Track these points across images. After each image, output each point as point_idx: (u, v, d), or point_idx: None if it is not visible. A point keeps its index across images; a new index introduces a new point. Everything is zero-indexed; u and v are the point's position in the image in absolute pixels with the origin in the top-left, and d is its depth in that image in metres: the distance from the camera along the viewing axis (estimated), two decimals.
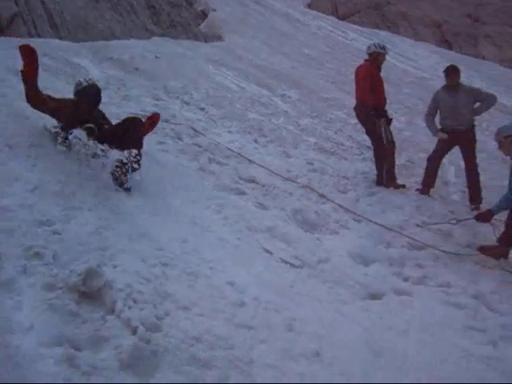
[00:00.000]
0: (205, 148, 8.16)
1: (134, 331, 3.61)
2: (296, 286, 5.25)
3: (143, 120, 6.44)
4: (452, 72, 8.92)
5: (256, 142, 9.32)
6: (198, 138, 8.44)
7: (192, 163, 7.58)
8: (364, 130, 9.36)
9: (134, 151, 5.89)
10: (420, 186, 9.03)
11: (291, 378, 3.79)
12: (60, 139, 5.83)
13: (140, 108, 9.01)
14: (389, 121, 9.00)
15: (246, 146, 8.82)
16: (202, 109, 10.26)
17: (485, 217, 7.35)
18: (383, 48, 9.07)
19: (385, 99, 9.11)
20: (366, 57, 9.17)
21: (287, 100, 12.84)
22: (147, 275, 4.34)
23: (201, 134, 8.57)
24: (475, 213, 7.78)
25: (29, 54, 5.78)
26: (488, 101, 8.90)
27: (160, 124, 8.65)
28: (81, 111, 6.07)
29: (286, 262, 5.69)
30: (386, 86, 9.29)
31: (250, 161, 8.02)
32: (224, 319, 4.18)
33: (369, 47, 9.20)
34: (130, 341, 3.50)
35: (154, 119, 6.59)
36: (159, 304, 4.03)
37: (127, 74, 10.82)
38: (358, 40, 23.44)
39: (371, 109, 8.78)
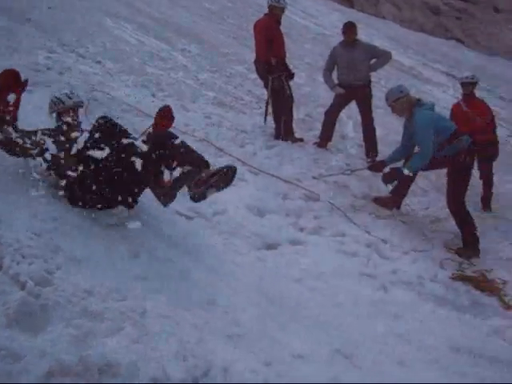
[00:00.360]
0: (100, 102, 7.95)
1: (23, 286, 3.49)
2: (190, 237, 5.27)
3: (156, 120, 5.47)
4: (349, 28, 9.09)
5: (154, 96, 9.17)
6: (94, 92, 8.20)
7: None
8: (263, 84, 9.40)
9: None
10: (318, 140, 9.20)
11: (185, 327, 3.82)
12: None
13: (32, 61, 8.64)
14: (291, 75, 9.08)
15: (143, 100, 8.64)
16: (99, 62, 9.95)
17: (378, 167, 7.65)
18: (278, 1, 9.05)
19: (284, 53, 9.15)
20: (267, 11, 9.16)
21: (187, 54, 12.66)
22: (38, 230, 4.20)
23: (97, 89, 8.34)
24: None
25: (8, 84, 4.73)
26: (384, 57, 9.18)
27: (54, 77, 8.40)
28: None
29: (181, 215, 5.68)
30: (286, 42, 9.33)
31: (146, 115, 7.89)
32: (117, 271, 4.13)
33: (268, 1, 9.17)
34: (18, 296, 3.41)
35: (166, 113, 5.39)
36: (50, 259, 3.92)
37: (18, 24, 10.29)
38: None
39: (265, 64, 8.82)
